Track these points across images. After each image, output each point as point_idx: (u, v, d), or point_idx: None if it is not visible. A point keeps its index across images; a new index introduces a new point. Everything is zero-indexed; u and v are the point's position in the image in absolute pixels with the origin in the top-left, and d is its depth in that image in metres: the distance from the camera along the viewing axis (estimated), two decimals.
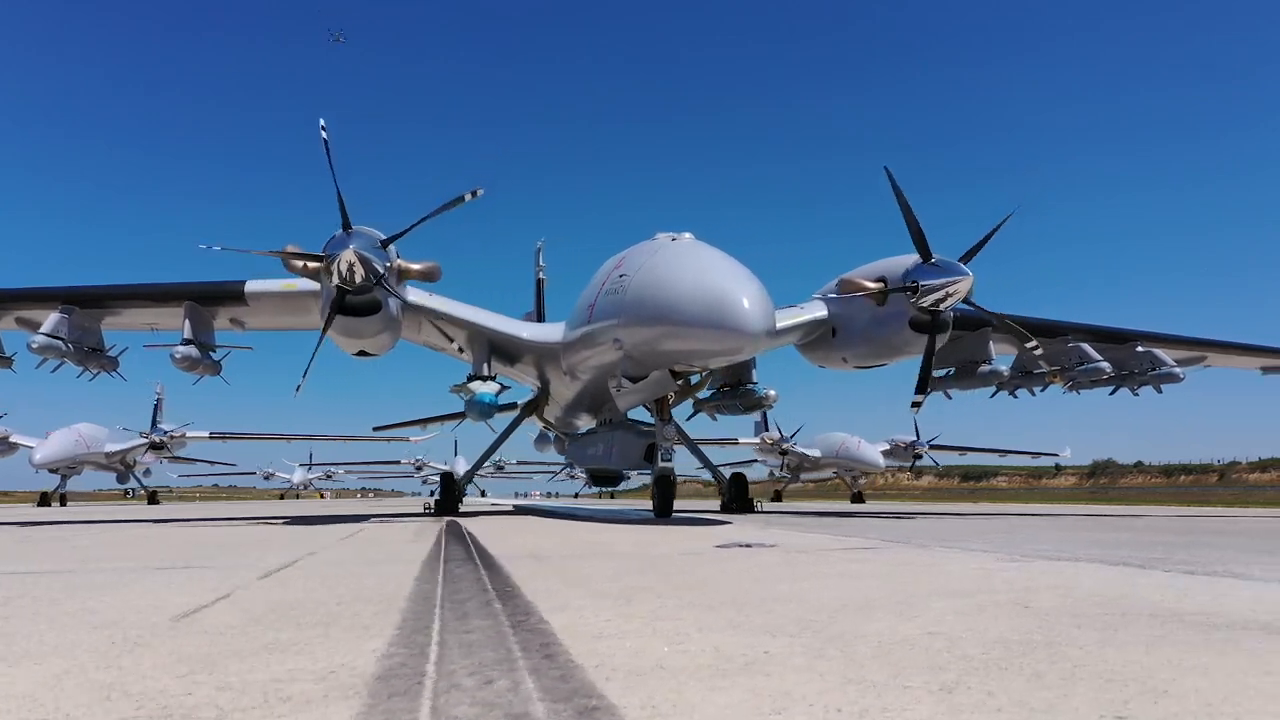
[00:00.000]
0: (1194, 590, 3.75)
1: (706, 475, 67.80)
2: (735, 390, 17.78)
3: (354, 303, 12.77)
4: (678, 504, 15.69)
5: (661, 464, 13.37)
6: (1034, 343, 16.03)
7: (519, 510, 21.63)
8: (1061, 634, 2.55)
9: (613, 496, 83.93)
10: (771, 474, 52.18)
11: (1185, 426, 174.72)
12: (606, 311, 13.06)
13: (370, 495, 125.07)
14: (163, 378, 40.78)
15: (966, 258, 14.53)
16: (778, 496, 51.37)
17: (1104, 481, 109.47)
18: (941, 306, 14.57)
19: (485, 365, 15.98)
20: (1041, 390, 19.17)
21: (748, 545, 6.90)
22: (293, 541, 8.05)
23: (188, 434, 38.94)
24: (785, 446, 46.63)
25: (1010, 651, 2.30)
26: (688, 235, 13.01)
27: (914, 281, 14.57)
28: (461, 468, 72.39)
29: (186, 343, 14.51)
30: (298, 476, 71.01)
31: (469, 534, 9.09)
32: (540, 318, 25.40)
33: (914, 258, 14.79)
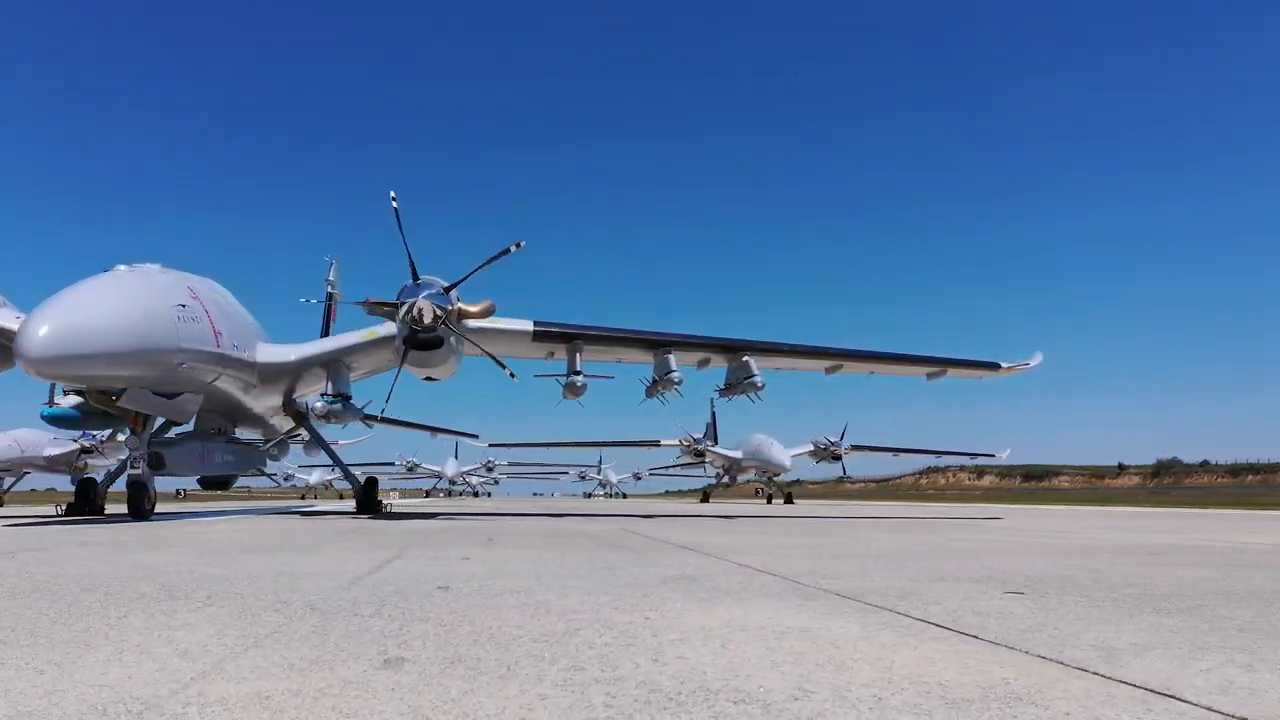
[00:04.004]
0: None
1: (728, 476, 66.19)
2: (346, 402, 19.32)
3: None
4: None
5: (130, 471, 15.19)
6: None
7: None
8: None
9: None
10: (717, 476, 52.68)
11: (1260, 424, 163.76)
12: None
13: (441, 494, 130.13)
14: None
15: (456, 284, 16.02)
16: (705, 498, 51.91)
17: (1168, 481, 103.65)
18: (424, 322, 15.90)
19: None
20: (661, 395, 20.01)
21: None
22: None
23: (119, 438, 42.87)
24: (699, 448, 47.27)
25: None
26: (122, 267, 14.64)
27: (401, 300, 15.98)
28: (451, 469, 75.44)
29: None
30: (314, 478, 75.69)
31: None
32: (325, 333, 27.31)
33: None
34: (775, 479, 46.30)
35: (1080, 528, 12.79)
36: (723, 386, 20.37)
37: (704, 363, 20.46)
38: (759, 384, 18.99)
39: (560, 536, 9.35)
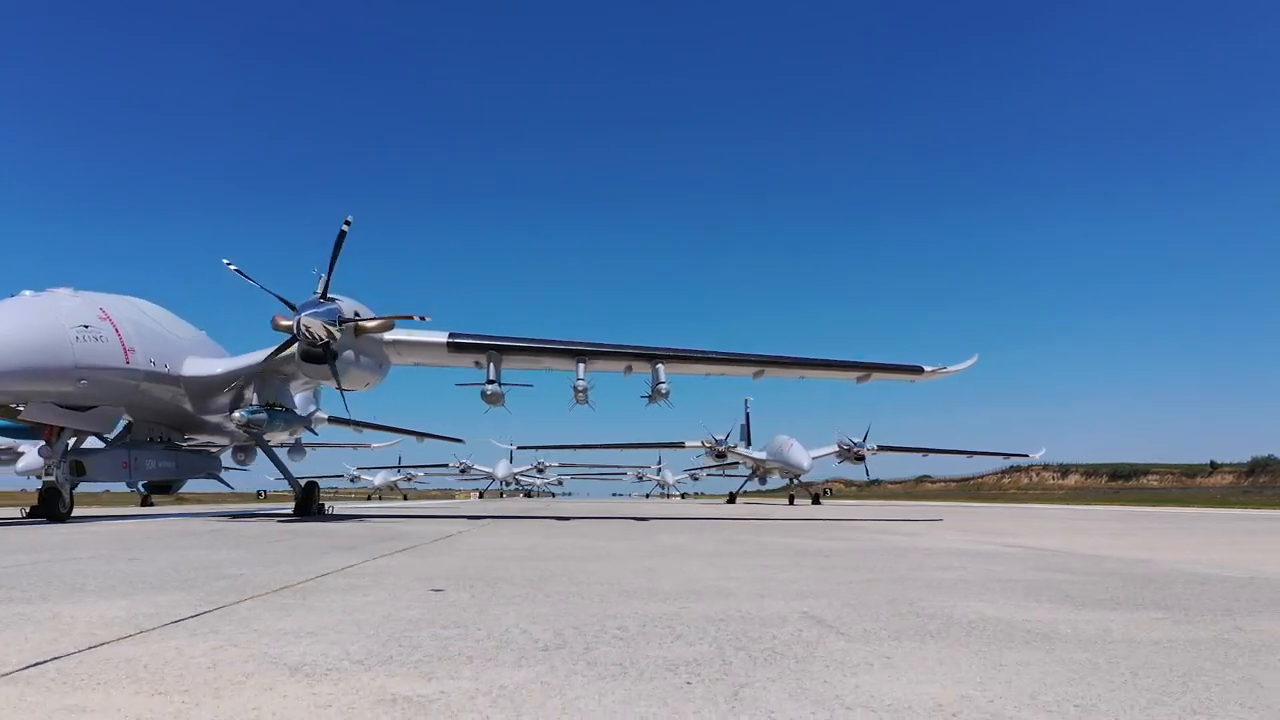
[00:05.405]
0: None
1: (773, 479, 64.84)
2: (273, 410, 20.30)
3: None
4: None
5: (44, 478, 16.52)
6: None
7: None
8: None
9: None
10: (746, 477, 52.49)
11: None
12: None
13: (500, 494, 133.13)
14: None
15: (323, 293, 16.85)
16: (732, 499, 51.80)
17: (1263, 480, 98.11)
18: (318, 337, 16.78)
19: None
20: (586, 403, 20.41)
21: None
22: None
23: None
24: (720, 449, 47.29)
25: None
26: (28, 292, 15.84)
27: (293, 318, 16.91)
28: (503, 470, 76.92)
29: None
30: (379, 479, 78.38)
31: None
32: None
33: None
34: (797, 479, 45.94)
35: (987, 530, 12.79)
36: (647, 394, 20.67)
37: (628, 370, 20.77)
38: (664, 391, 19.28)
39: (380, 542, 9.46)
